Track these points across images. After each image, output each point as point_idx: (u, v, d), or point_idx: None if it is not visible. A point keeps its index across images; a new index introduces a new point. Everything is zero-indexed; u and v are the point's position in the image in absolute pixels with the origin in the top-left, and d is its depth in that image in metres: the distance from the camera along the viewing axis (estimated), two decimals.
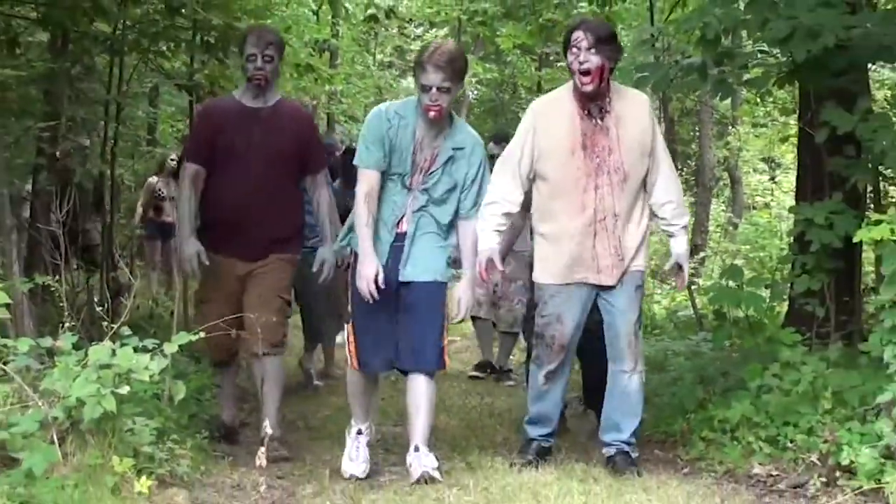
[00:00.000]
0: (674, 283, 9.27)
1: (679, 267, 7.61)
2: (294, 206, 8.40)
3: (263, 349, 7.93)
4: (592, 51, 7.32)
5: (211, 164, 8.09)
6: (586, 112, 7.46)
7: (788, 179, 21.25)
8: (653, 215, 7.61)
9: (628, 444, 7.50)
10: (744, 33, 9.86)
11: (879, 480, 6.40)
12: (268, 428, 7.80)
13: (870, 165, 8.80)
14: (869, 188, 9.33)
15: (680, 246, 7.60)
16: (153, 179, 17.57)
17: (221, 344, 7.67)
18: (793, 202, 10.97)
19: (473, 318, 11.93)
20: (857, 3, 8.93)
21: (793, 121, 13.73)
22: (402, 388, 8.06)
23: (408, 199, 7.38)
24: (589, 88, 7.35)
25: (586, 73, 7.34)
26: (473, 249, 7.47)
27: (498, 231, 7.45)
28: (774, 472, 7.15)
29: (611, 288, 7.49)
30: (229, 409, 8.62)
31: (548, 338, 7.54)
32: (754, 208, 25.01)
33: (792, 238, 9.83)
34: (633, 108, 7.55)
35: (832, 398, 7.45)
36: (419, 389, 7.29)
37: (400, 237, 7.38)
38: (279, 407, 8.15)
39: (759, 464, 7.28)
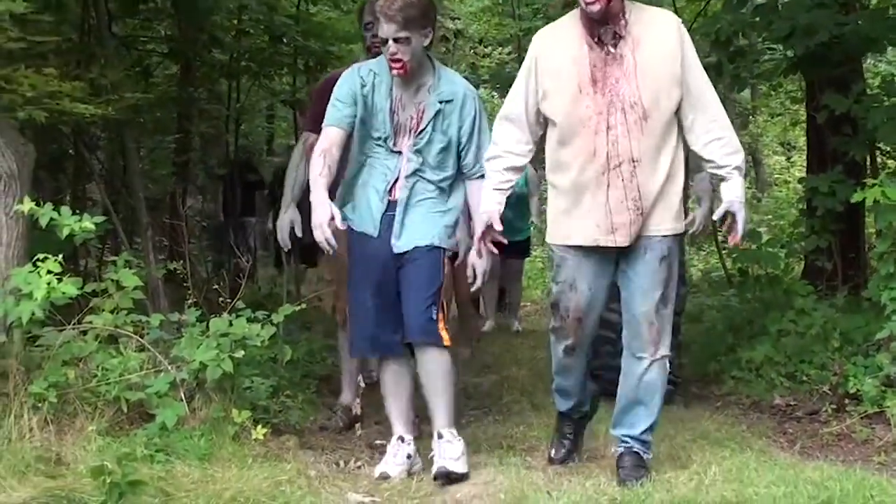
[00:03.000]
0: (723, 237, 7.03)
1: (732, 216, 5.23)
2: None
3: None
4: None
5: None
6: (596, 39, 5.25)
7: (802, 159, 20.96)
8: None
9: (641, 441, 5.42)
10: (753, 34, 9.91)
11: (881, 405, 6.39)
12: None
13: (865, 141, 8.80)
14: (867, 160, 9.32)
15: (732, 190, 5.22)
16: None
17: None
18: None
19: None
20: (849, 3, 8.98)
21: (802, 108, 13.68)
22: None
23: (399, 163, 5.65)
24: (595, 8, 5.17)
25: None
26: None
27: (501, 189, 5.45)
28: (792, 402, 7.12)
29: (629, 253, 5.29)
30: (349, 390, 6.92)
31: (562, 308, 5.41)
32: (775, 185, 24.81)
33: (802, 205, 9.83)
34: (655, 30, 5.28)
35: (840, 338, 7.47)
36: (427, 367, 5.57)
37: (393, 206, 5.65)
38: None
39: (780, 396, 7.23)
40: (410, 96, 5.67)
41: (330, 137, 5.59)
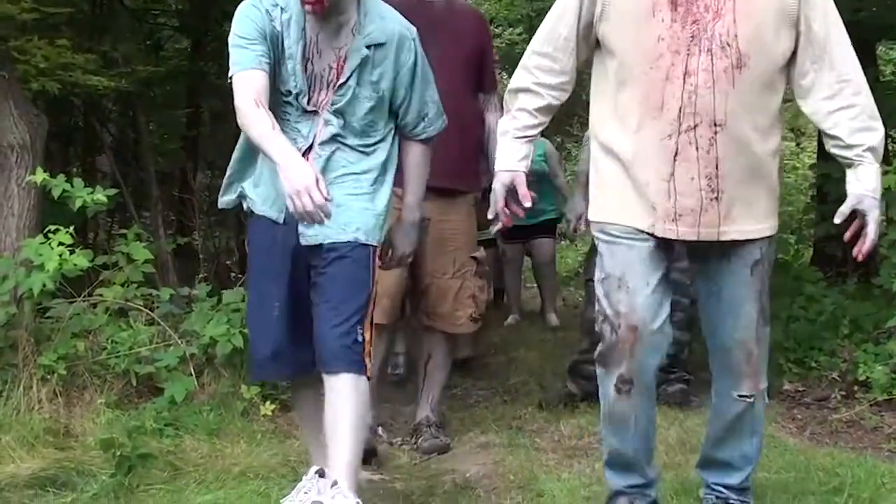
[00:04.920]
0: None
1: (862, 216, 3.84)
2: (478, 129, 5.64)
3: (456, 327, 5.65)
4: None
5: None
6: None
7: (812, 145, 20.92)
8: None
9: (740, 490, 4.25)
10: None
11: (891, 393, 6.34)
12: (425, 411, 5.68)
13: None
14: None
15: (863, 181, 3.82)
16: None
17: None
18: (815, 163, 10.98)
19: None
20: None
21: None
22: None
23: (314, 126, 4.20)
24: None
25: None
26: (418, 177, 4.50)
27: (526, 138, 4.01)
28: (802, 388, 7.04)
29: (706, 255, 3.91)
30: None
31: (611, 313, 3.84)
32: (785, 171, 24.81)
33: (813, 191, 9.80)
34: None
35: (850, 325, 7.40)
36: (336, 401, 4.06)
37: None
38: (442, 388, 5.79)
39: (789, 382, 7.16)
40: (329, 39, 4.18)
41: (254, 82, 4.04)
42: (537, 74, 3.99)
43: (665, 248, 3.88)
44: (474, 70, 5.61)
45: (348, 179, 4.21)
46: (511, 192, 3.99)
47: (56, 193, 5.62)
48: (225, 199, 4.44)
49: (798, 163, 23.47)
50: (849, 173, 3.86)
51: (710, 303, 4.00)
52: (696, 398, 6.38)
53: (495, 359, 8.47)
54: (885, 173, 6.85)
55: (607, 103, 3.90)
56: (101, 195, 5.63)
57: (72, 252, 5.46)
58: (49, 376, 5.46)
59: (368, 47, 4.20)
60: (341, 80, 4.19)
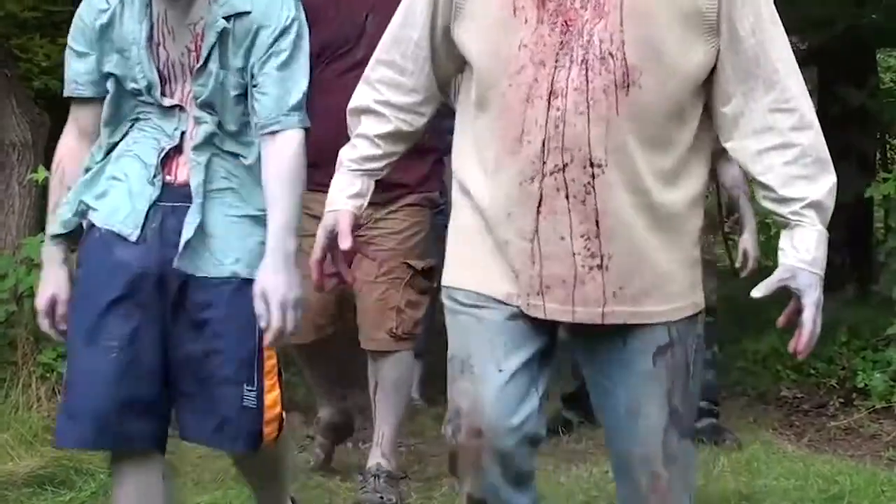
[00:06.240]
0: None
1: (797, 299, 2.70)
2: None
3: (373, 343, 4.74)
4: None
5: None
6: None
7: None
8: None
9: None
10: None
11: (890, 400, 6.32)
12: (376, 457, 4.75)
13: (877, 135, 8.78)
14: (878, 154, 9.31)
15: (799, 252, 2.70)
16: None
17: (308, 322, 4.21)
18: None
19: None
20: None
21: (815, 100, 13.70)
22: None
23: (181, 124, 3.19)
24: None
25: None
26: (285, 193, 3.14)
27: (366, 172, 2.92)
28: (799, 395, 7.04)
29: (594, 338, 2.77)
30: (329, 404, 5.16)
31: (451, 408, 2.76)
32: None
33: None
34: None
35: (848, 332, 7.35)
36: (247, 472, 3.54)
37: (171, 193, 3.16)
38: (398, 424, 4.84)
39: (787, 388, 7.17)
40: (180, 15, 3.18)
41: (78, 123, 3.34)
42: (381, 90, 2.90)
43: (527, 330, 2.74)
44: None
45: (227, 196, 3.19)
46: (332, 239, 2.84)
47: None
48: (61, 221, 3.27)
49: None
50: (783, 237, 2.71)
51: (605, 404, 2.83)
52: (730, 434, 5.77)
53: None
54: (884, 181, 6.89)
55: (468, 131, 2.82)
56: None
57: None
58: (48, 374, 5.44)
59: (227, 18, 3.15)
60: (199, 64, 3.18)
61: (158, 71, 3.20)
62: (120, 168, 3.20)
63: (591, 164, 2.60)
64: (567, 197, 2.63)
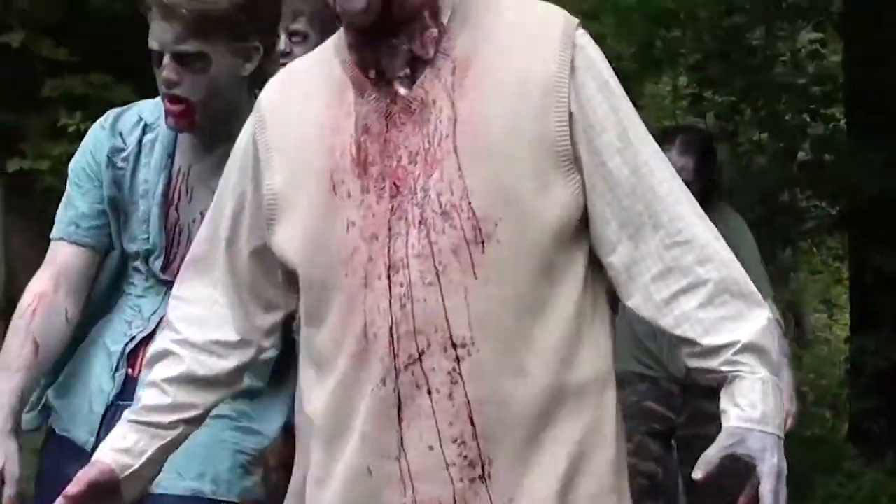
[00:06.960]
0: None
1: (746, 465, 1.98)
2: None
3: None
4: None
5: None
6: (371, 73, 2.08)
7: (844, 317, 20.84)
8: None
9: None
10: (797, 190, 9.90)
11: None
12: None
13: None
14: None
15: (743, 409, 2.01)
16: None
17: None
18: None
19: None
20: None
21: (843, 265, 13.70)
22: None
23: (163, 307, 2.62)
24: (358, 5, 1.99)
25: None
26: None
27: (147, 425, 2.22)
28: None
29: None
30: None
31: None
32: (818, 342, 24.81)
33: (849, 364, 9.69)
34: (512, 40, 2.07)
35: (889, 502, 7.30)
36: None
37: (135, 389, 2.42)
38: None
39: None
40: (207, 175, 2.74)
41: (62, 263, 2.83)
42: (180, 328, 2.29)
43: None
44: None
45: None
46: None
47: None
48: (26, 418, 2.86)
49: (830, 335, 23.38)
50: (722, 397, 2.09)
51: None
52: None
53: None
54: None
55: (305, 348, 2.23)
56: None
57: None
58: None
59: None
60: None
61: (165, 234, 2.79)
62: (87, 359, 2.85)
63: (454, 346, 2.04)
64: (430, 392, 2.04)
